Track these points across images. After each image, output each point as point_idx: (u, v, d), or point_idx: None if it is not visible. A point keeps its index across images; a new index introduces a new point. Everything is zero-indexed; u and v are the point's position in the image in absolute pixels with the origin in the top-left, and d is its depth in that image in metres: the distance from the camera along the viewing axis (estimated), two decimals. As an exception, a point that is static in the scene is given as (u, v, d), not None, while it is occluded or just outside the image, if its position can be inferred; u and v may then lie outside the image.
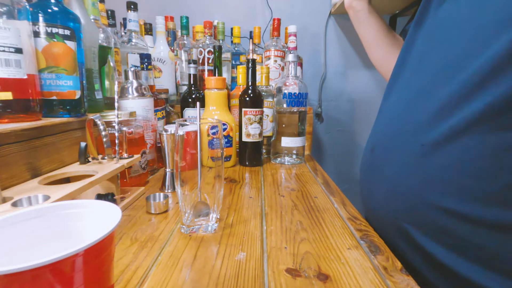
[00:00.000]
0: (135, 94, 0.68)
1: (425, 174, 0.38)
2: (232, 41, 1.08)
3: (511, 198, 0.32)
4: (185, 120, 0.42)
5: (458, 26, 0.37)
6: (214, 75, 0.88)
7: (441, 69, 0.38)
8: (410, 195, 0.40)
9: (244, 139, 0.79)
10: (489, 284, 0.34)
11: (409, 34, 0.47)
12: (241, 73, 0.84)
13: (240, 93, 0.79)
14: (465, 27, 0.36)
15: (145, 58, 0.74)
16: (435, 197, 0.37)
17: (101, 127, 0.49)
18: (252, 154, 0.81)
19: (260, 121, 0.79)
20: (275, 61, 1.01)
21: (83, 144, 0.50)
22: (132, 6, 0.82)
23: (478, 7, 0.35)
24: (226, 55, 1.00)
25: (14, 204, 0.34)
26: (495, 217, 0.33)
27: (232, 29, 1.08)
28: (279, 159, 0.85)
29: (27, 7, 0.47)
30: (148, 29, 1.01)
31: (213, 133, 0.43)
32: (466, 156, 0.34)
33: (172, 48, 1.03)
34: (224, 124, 0.75)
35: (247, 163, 0.81)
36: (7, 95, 0.45)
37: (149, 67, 0.75)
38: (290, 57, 0.81)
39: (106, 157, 0.52)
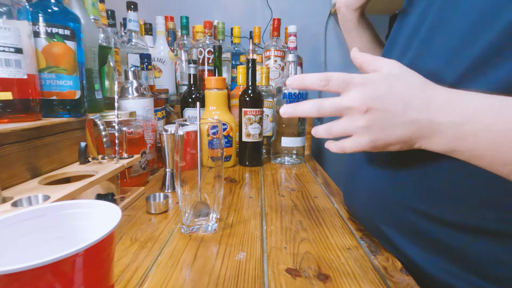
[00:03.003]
0: (135, 94, 0.68)
1: (397, 175, 0.38)
2: (232, 41, 1.08)
3: (476, 199, 0.32)
4: (185, 120, 0.42)
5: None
6: (214, 75, 0.88)
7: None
8: (384, 196, 0.40)
9: (244, 139, 0.79)
10: (463, 287, 0.34)
11: (394, 26, 0.47)
12: (241, 73, 0.84)
13: (240, 93, 0.80)
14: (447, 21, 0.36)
15: (145, 58, 0.74)
16: (406, 198, 0.37)
17: (101, 127, 0.49)
18: (252, 154, 0.81)
19: (260, 121, 0.79)
20: (275, 61, 1.01)
21: (83, 144, 0.50)
22: (132, 6, 0.82)
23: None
24: (226, 55, 1.00)
25: (14, 204, 0.34)
26: (462, 219, 0.33)
27: (232, 29, 1.08)
28: (279, 159, 0.85)
29: (27, 7, 0.47)
30: (148, 29, 1.01)
31: (213, 133, 0.43)
32: (432, 157, 0.34)
33: (172, 48, 1.03)
34: (224, 124, 0.75)
35: (247, 163, 0.81)
36: (7, 95, 0.45)
37: (149, 67, 0.75)
38: (290, 57, 0.81)
39: (106, 157, 0.52)
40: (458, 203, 0.33)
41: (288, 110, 0.35)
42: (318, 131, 0.35)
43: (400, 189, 0.38)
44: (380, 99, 0.30)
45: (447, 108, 0.29)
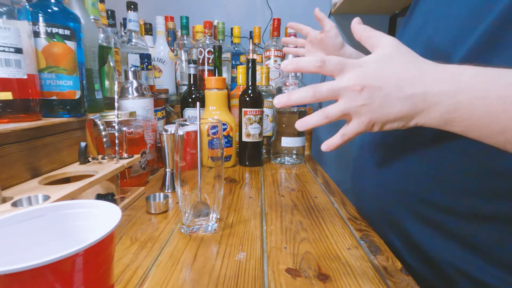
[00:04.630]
0: (135, 94, 0.68)
1: (407, 168, 0.39)
2: (232, 41, 1.08)
3: (487, 189, 0.33)
4: (185, 120, 0.42)
5: (440, 19, 0.38)
6: (214, 75, 0.88)
7: None
8: (396, 189, 0.41)
9: (244, 139, 0.79)
10: (482, 276, 0.34)
11: (399, 31, 0.48)
12: (241, 73, 0.84)
13: (240, 93, 0.80)
14: (445, 21, 0.37)
15: (145, 58, 0.74)
16: (418, 190, 0.38)
17: (101, 127, 0.49)
18: (252, 154, 0.81)
19: (260, 121, 0.79)
20: (275, 61, 1.01)
21: (83, 144, 0.50)
22: (132, 6, 0.82)
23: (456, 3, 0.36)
24: (226, 55, 1.00)
25: (14, 204, 0.34)
26: (469, 206, 0.34)
27: (232, 29, 1.08)
28: (279, 159, 0.85)
29: (27, 7, 0.47)
30: (148, 29, 1.01)
31: (213, 133, 0.43)
32: (444, 150, 0.34)
33: (172, 48, 1.03)
34: (224, 124, 0.75)
35: (247, 163, 0.81)
36: (7, 95, 0.45)
37: (149, 67, 0.75)
38: (290, 57, 0.81)
39: (106, 157, 0.52)
40: (468, 192, 0.34)
41: (282, 100, 0.33)
42: (314, 119, 0.34)
43: (411, 181, 0.39)
44: (373, 77, 0.30)
45: (441, 79, 0.29)
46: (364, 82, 0.30)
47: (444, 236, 0.36)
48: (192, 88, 0.83)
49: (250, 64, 0.76)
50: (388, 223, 0.43)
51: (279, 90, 0.83)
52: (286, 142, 0.83)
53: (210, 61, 0.93)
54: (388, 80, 0.30)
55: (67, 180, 0.49)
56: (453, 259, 0.36)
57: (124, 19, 0.99)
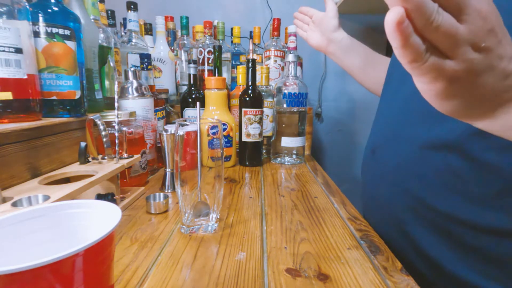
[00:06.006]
0: (135, 94, 0.68)
1: (423, 176, 0.38)
2: (232, 41, 1.08)
3: (503, 202, 0.32)
4: (185, 120, 0.42)
5: None
6: (214, 75, 0.88)
7: None
8: (409, 197, 0.40)
9: (244, 139, 0.79)
10: (488, 286, 0.34)
11: (391, 58, 0.49)
12: (241, 73, 0.84)
13: (240, 93, 0.79)
14: None
15: (145, 58, 0.74)
16: (432, 199, 0.37)
17: (101, 127, 0.49)
18: (252, 154, 0.81)
19: (260, 121, 0.79)
20: (275, 61, 1.01)
21: (83, 144, 0.50)
22: (132, 6, 0.82)
23: None
24: (226, 55, 1.00)
25: (14, 204, 0.34)
26: (488, 221, 0.33)
27: (232, 29, 1.08)
28: (279, 159, 0.85)
29: (27, 7, 0.47)
30: (148, 29, 1.01)
31: (213, 133, 0.43)
32: (460, 161, 0.34)
33: (172, 48, 1.03)
34: (224, 124, 0.75)
35: (247, 163, 0.81)
36: (7, 95, 0.45)
37: (149, 67, 0.75)
38: (290, 57, 0.81)
39: (106, 157, 0.52)
40: (483, 205, 0.33)
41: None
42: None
43: (426, 190, 0.38)
44: (501, 26, 0.21)
45: None
46: (495, 23, 0.21)
47: (461, 249, 0.36)
48: (192, 88, 0.83)
49: (250, 64, 0.76)
50: (400, 232, 0.43)
51: (279, 90, 0.83)
52: (286, 142, 0.83)
53: (210, 61, 0.93)
54: (509, 44, 0.22)
55: (67, 180, 0.49)
56: (469, 272, 0.36)
57: (124, 19, 0.99)
